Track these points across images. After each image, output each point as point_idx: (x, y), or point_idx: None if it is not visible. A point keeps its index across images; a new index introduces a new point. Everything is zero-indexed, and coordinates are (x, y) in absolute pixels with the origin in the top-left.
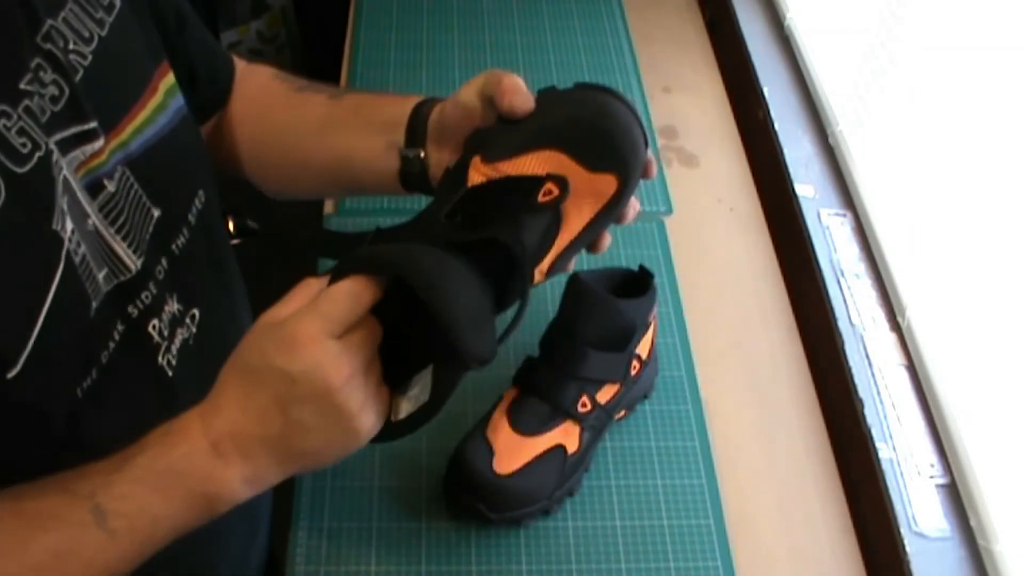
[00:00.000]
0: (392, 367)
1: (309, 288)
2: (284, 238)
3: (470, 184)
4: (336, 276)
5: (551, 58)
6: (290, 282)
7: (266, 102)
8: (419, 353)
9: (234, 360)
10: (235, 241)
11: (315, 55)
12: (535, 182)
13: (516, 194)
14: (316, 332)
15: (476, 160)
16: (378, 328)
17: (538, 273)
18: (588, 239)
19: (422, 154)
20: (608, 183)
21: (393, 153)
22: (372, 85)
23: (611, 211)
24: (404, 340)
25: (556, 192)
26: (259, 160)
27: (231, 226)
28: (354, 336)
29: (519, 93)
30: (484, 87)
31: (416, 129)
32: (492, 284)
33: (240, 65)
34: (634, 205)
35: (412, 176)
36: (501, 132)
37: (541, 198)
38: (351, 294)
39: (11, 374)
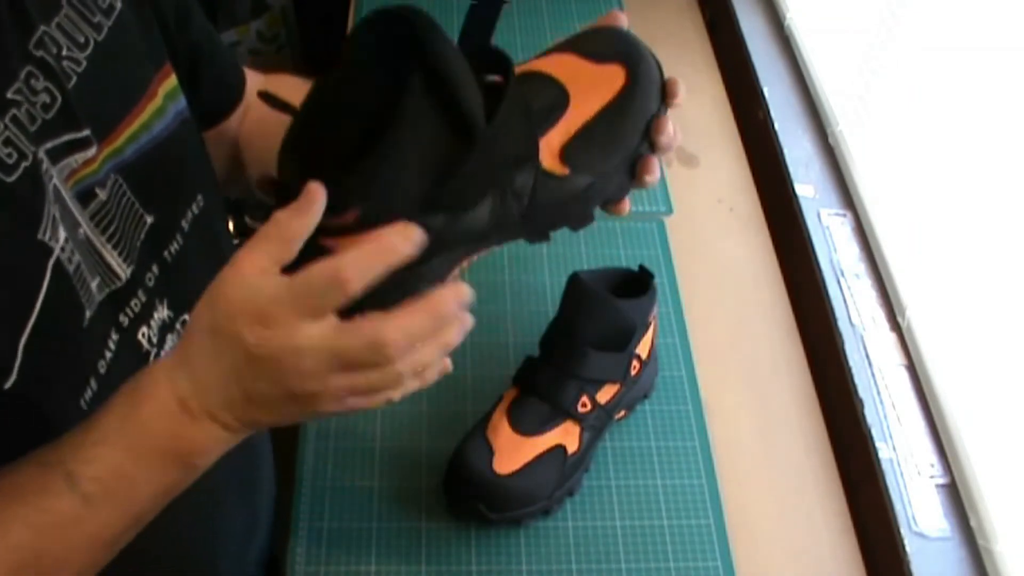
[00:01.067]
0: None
1: (278, 227)
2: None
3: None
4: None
5: None
6: None
7: (271, 128)
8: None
9: (206, 308)
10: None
11: (315, 55)
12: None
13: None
14: (288, 317)
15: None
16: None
17: (545, 146)
18: (602, 133)
19: None
20: (615, 74)
21: None
22: None
23: (623, 107)
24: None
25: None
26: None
27: (231, 226)
28: (327, 324)
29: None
30: None
31: None
32: None
33: (259, 79)
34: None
35: None
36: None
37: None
38: (329, 275)
39: (7, 384)
